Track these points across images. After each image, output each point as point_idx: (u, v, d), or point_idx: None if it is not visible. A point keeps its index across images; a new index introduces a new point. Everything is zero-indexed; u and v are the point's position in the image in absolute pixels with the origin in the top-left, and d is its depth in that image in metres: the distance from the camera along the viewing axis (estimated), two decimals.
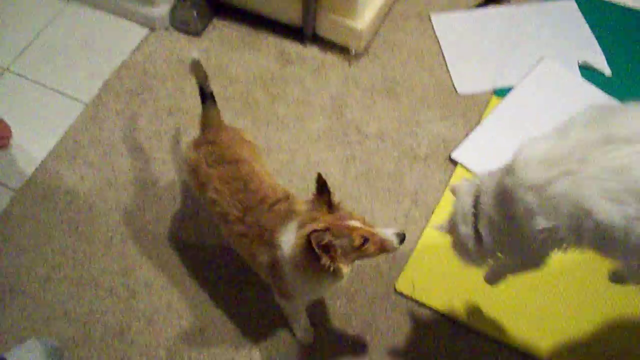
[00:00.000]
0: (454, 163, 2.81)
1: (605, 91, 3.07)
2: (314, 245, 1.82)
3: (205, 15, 3.19)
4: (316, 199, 1.96)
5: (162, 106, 2.94)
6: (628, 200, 1.67)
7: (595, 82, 3.10)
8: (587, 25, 3.30)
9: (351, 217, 1.93)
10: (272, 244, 2.02)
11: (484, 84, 3.07)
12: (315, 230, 1.83)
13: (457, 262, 2.29)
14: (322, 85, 3.03)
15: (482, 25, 3.31)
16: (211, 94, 2.36)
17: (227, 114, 2.90)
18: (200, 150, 2.25)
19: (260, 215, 2.08)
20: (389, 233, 1.93)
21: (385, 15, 3.27)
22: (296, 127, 2.90)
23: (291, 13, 3.06)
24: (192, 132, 2.84)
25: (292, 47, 3.15)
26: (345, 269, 1.93)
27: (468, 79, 3.09)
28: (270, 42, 3.17)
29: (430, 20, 3.31)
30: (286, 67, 3.08)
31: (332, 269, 1.88)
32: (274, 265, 2.04)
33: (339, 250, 1.88)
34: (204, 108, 2.36)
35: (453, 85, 3.06)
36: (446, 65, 3.13)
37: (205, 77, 2.33)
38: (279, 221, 2.03)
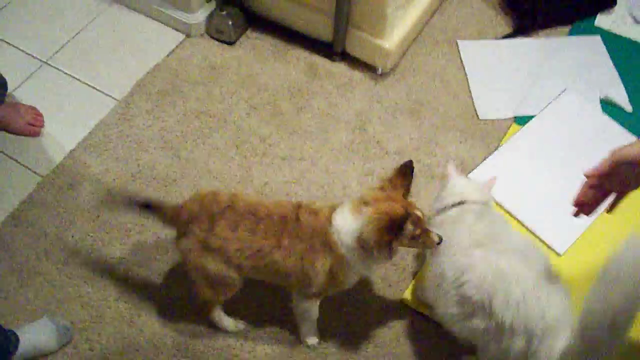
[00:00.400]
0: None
1: (625, 127, 3.11)
2: (397, 225, 1.95)
3: (240, 25, 3.29)
4: (396, 180, 2.06)
5: (191, 109, 3.03)
6: None
7: (615, 118, 3.14)
8: (611, 62, 3.35)
9: (416, 207, 2.05)
10: (327, 243, 2.05)
11: (505, 111, 3.13)
12: (408, 213, 1.96)
13: None
14: (347, 100, 3.11)
15: (508, 55, 3.37)
16: (146, 201, 2.20)
17: (253, 121, 3.00)
18: (188, 237, 2.11)
19: (294, 231, 2.08)
20: (434, 234, 2.08)
21: (414, 38, 3.35)
22: (319, 138, 2.97)
23: (322, 29, 3.15)
24: (217, 135, 2.93)
25: (321, 62, 3.24)
26: (394, 255, 2.05)
27: (490, 105, 3.15)
28: (300, 56, 3.26)
29: (457, 46, 3.38)
30: (314, 80, 3.17)
31: (391, 252, 2.02)
32: (334, 263, 2.07)
33: (407, 235, 2.01)
34: (158, 216, 2.22)
35: (475, 110, 3.12)
36: (470, 91, 3.20)
37: (129, 199, 2.22)
38: (320, 222, 2.07)
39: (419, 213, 2.03)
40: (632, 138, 3.06)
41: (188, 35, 3.30)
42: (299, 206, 2.13)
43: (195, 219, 2.09)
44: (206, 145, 2.92)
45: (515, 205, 2.81)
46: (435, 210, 2.25)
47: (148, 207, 2.18)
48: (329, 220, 2.06)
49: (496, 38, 3.45)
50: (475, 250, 2.07)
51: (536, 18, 3.46)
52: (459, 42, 3.40)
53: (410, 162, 2.07)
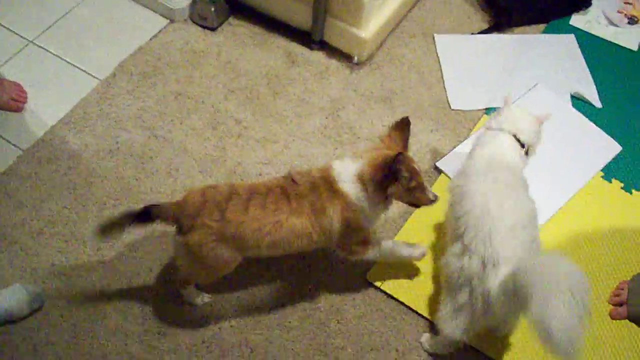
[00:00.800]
0: (439, 171, 2.96)
1: (594, 122, 3.22)
2: (394, 164, 2.10)
3: (223, 12, 3.37)
4: (395, 134, 2.27)
5: (170, 90, 3.12)
6: None
7: (584, 113, 3.25)
8: (583, 60, 3.45)
9: (413, 160, 2.20)
10: (330, 188, 2.20)
11: (476, 103, 3.22)
12: (401, 153, 2.10)
13: (426, 261, 2.55)
14: (323, 87, 3.20)
15: (482, 50, 3.47)
16: (143, 210, 2.16)
17: (230, 104, 3.08)
18: (197, 231, 2.14)
19: (297, 192, 2.19)
20: (430, 192, 2.25)
21: (391, 30, 3.44)
22: (293, 123, 3.06)
23: (302, 18, 3.24)
24: (194, 116, 3.02)
25: (299, 50, 3.33)
26: (390, 203, 2.25)
27: (462, 96, 3.25)
28: (280, 43, 3.35)
29: (433, 39, 3.47)
30: (292, 67, 3.26)
31: (387, 197, 2.20)
32: (343, 206, 2.20)
33: (402, 179, 2.15)
34: (160, 218, 2.19)
35: (447, 100, 3.21)
36: (443, 83, 3.29)
37: (126, 216, 2.17)
38: (316, 175, 2.23)
39: (415, 166, 2.17)
40: (599, 132, 3.17)
41: (172, 20, 3.38)
42: (289, 173, 2.26)
43: (203, 211, 2.13)
44: (183, 126, 3.00)
45: None
46: (487, 127, 2.50)
47: (147, 213, 2.15)
48: (327, 169, 2.23)
49: (472, 33, 3.54)
50: (484, 174, 2.30)
51: (512, 16, 3.54)
52: (435, 35, 3.48)
53: (407, 118, 2.26)
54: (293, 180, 2.22)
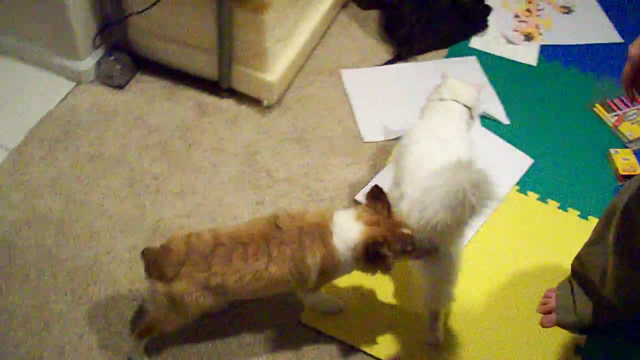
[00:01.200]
0: (359, 204, 3.00)
1: (504, 138, 3.35)
2: (372, 251, 2.12)
3: (129, 69, 3.38)
4: (375, 204, 2.22)
5: (84, 153, 3.10)
6: None
7: (494, 131, 3.37)
8: (486, 79, 3.57)
9: (404, 225, 2.20)
10: (321, 237, 2.20)
11: (389, 133, 3.29)
12: (376, 242, 2.12)
13: (362, 294, 2.64)
14: (236, 134, 3.23)
15: (389, 80, 3.56)
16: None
17: (145, 160, 3.09)
18: (181, 280, 2.17)
19: (278, 239, 2.21)
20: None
21: (298, 70, 3.50)
22: (210, 172, 3.08)
23: (208, 68, 3.28)
24: (111, 177, 3.01)
25: (209, 99, 3.36)
26: (392, 267, 2.22)
27: (374, 128, 3.32)
28: (189, 95, 3.37)
29: (340, 75, 3.55)
30: (203, 117, 3.28)
31: (385, 267, 2.20)
32: (325, 256, 2.20)
33: (396, 253, 2.16)
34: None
35: (360, 134, 3.28)
36: (354, 117, 3.36)
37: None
38: (307, 220, 2.24)
39: (406, 231, 2.17)
40: (510, 148, 3.29)
41: (79, 83, 3.37)
42: (275, 216, 2.26)
43: (188, 261, 2.16)
44: (100, 187, 2.99)
45: None
46: (430, 99, 2.71)
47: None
48: (326, 220, 2.23)
49: (377, 65, 3.62)
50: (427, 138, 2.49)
51: (414, 44, 3.64)
52: (341, 71, 3.55)
53: (375, 186, 2.26)
54: (277, 225, 2.22)
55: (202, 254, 2.17)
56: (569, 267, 2.77)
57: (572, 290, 2.69)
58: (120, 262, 2.76)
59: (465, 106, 2.65)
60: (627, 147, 3.43)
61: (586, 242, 2.58)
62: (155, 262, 2.20)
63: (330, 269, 2.24)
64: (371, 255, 2.14)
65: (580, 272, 2.64)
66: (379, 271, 2.23)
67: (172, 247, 2.19)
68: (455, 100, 2.64)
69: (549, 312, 2.72)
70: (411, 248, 2.18)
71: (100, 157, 3.10)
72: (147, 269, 2.23)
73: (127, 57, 3.36)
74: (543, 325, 2.71)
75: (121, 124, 3.23)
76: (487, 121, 3.40)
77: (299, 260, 2.20)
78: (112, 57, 3.33)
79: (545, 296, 2.77)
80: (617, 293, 2.46)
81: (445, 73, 2.80)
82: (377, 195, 2.24)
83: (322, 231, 2.20)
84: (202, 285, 2.17)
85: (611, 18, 4.14)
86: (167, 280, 2.17)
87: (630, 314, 2.67)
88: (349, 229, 2.19)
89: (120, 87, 3.37)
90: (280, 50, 3.24)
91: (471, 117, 2.68)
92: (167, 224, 2.89)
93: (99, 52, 3.37)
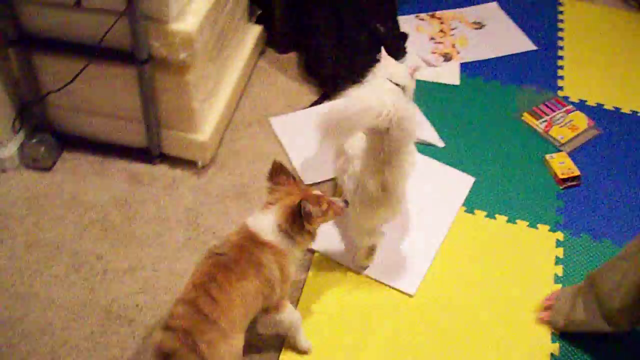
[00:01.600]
0: (312, 252, 2.99)
1: (442, 161, 3.39)
2: (303, 211, 2.27)
3: (55, 149, 3.28)
4: (279, 179, 2.44)
5: (21, 243, 2.99)
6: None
7: (431, 155, 3.40)
8: (415, 105, 3.56)
9: (311, 189, 2.46)
10: (261, 243, 2.34)
11: (327, 173, 3.26)
12: (303, 199, 2.27)
13: (335, 335, 2.66)
14: (175, 199, 3.16)
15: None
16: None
17: (87, 241, 2.99)
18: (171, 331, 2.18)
19: (234, 257, 2.30)
20: (339, 201, 2.45)
21: (226, 125, 3.46)
22: (156, 243, 3.00)
23: (136, 136, 3.20)
24: (53, 264, 2.90)
25: (142, 168, 3.28)
26: (316, 233, 2.43)
27: (312, 170, 3.31)
28: (121, 166, 3.29)
29: (269, 123, 3.51)
30: (139, 188, 3.20)
31: (312, 232, 2.38)
32: (276, 255, 2.35)
33: (315, 216, 2.34)
34: None
35: (300, 178, 3.24)
36: (291, 163, 3.33)
37: None
38: (235, 239, 2.37)
39: (317, 192, 2.41)
40: (451, 170, 3.32)
41: (3, 170, 3.25)
42: (210, 253, 2.36)
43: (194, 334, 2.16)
44: (44, 276, 2.88)
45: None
46: (368, 80, 2.91)
47: None
48: (244, 229, 2.38)
49: (305, 107, 3.60)
50: None
51: (338, 82, 3.63)
52: (270, 119, 3.52)
53: (275, 161, 2.46)
54: (219, 254, 2.31)
55: (202, 317, 2.18)
56: (532, 279, 2.90)
57: (574, 296, 2.71)
58: (79, 352, 2.65)
59: (398, 85, 2.87)
60: (561, 151, 3.50)
61: (615, 256, 2.58)
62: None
63: (282, 262, 2.36)
64: (297, 217, 2.30)
65: (595, 279, 2.63)
66: (308, 238, 2.41)
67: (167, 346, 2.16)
68: (389, 79, 2.86)
69: (548, 309, 2.81)
70: (325, 206, 2.38)
71: (39, 245, 2.99)
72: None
73: (50, 136, 3.26)
74: (540, 319, 2.81)
75: (55, 207, 3.12)
76: (423, 147, 3.41)
77: (258, 265, 2.31)
78: (35, 140, 3.22)
79: (552, 294, 2.84)
80: (626, 308, 2.49)
81: (383, 53, 3.03)
82: (278, 169, 2.44)
83: (251, 238, 2.35)
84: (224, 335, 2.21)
85: (522, 27, 4.24)
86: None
87: (626, 328, 2.68)
88: (264, 221, 2.36)
89: (48, 169, 3.26)
90: (207, 109, 3.20)
91: (404, 95, 2.90)
92: (121, 304, 2.79)
93: (21, 136, 3.27)
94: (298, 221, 2.32)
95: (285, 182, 2.44)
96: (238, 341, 2.27)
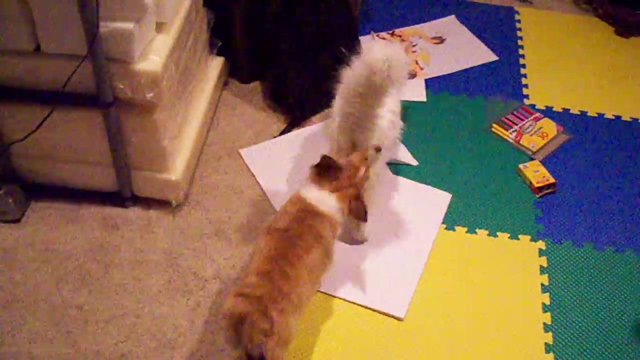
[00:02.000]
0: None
1: (418, 180, 3.38)
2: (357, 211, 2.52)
3: (22, 200, 3.19)
4: (328, 173, 2.55)
5: None
6: None
7: (406, 175, 3.40)
8: None
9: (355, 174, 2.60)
10: (319, 214, 2.48)
11: None
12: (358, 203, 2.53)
13: None
14: (152, 241, 3.09)
15: (288, 148, 3.51)
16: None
17: (64, 292, 2.90)
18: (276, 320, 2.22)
19: (296, 232, 2.42)
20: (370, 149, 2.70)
21: (197, 161, 3.40)
22: (135, 289, 2.92)
23: (106, 180, 3.13)
24: (32, 319, 2.82)
25: (114, 212, 3.20)
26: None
27: (285, 197, 3.22)
28: (93, 212, 3.21)
29: (240, 155, 3.46)
30: (113, 232, 3.12)
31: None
32: (333, 229, 2.52)
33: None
34: None
35: (275, 210, 3.19)
36: (265, 194, 3.28)
37: None
38: (299, 207, 2.50)
39: (361, 173, 2.57)
40: (427, 188, 3.31)
41: None
42: (270, 228, 2.47)
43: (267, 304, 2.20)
44: (23, 334, 2.79)
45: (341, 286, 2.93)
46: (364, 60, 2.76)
47: None
48: (300, 200, 2.52)
49: (273, 136, 3.56)
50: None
51: (304, 108, 3.61)
52: (240, 151, 3.47)
53: (323, 156, 2.56)
54: (282, 230, 2.41)
55: (276, 288, 2.24)
56: (519, 291, 2.91)
57: None
58: None
59: None
60: (533, 159, 3.51)
61: None
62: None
63: (335, 232, 2.53)
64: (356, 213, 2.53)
65: None
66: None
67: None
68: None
69: None
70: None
71: (14, 301, 2.89)
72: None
73: (17, 187, 3.17)
74: None
75: (28, 260, 3.03)
76: (397, 167, 3.39)
77: (319, 237, 2.42)
78: (1, 191, 3.13)
79: None
80: None
81: (373, 35, 3.32)
82: (327, 164, 2.54)
83: (309, 210, 2.47)
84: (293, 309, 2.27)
85: (482, 39, 4.26)
86: (269, 334, 2.17)
87: None
88: (320, 193, 2.50)
89: (17, 220, 3.17)
90: (177, 146, 3.14)
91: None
92: (105, 354, 2.72)
93: None
94: (363, 208, 2.52)
95: (335, 174, 2.54)
96: (298, 322, 2.33)
